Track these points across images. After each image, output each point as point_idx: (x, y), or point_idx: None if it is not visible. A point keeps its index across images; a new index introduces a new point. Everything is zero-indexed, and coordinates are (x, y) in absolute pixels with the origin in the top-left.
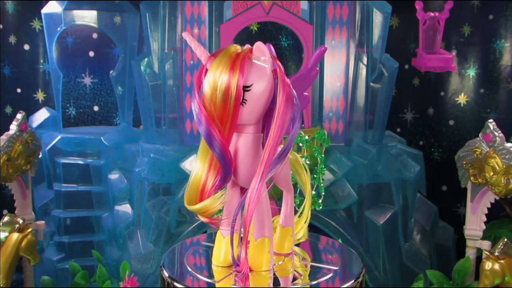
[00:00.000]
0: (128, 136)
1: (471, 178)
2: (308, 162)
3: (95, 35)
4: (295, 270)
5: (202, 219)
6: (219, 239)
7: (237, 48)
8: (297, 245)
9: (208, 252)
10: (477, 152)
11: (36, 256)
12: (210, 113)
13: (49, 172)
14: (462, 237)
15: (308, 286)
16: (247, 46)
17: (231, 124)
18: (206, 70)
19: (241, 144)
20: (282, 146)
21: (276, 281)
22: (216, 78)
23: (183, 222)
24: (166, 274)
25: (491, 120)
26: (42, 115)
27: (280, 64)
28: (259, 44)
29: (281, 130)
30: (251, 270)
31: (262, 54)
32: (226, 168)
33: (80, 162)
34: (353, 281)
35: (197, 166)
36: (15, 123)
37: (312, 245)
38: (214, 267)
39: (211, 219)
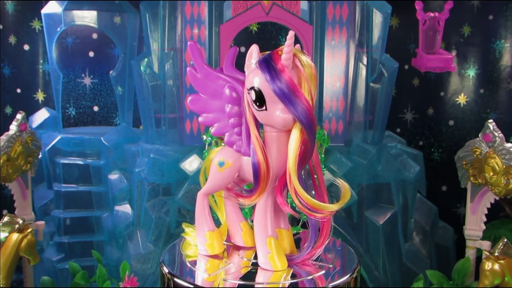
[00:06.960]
0: (128, 136)
1: (471, 178)
2: None
3: (95, 35)
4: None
5: (323, 214)
6: (281, 244)
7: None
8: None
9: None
10: (477, 152)
11: (36, 256)
12: None
13: (49, 172)
14: (462, 237)
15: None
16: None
17: None
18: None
19: (282, 141)
20: None
21: None
22: (307, 86)
23: (183, 222)
24: (166, 270)
25: (491, 120)
26: (42, 115)
27: None
28: (299, 48)
29: None
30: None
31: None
32: (311, 130)
33: (80, 162)
34: (347, 276)
35: (292, 147)
36: (15, 123)
37: None
38: (274, 274)
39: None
